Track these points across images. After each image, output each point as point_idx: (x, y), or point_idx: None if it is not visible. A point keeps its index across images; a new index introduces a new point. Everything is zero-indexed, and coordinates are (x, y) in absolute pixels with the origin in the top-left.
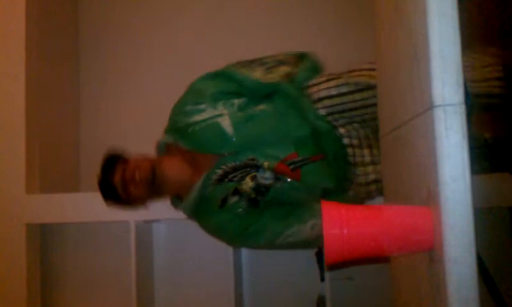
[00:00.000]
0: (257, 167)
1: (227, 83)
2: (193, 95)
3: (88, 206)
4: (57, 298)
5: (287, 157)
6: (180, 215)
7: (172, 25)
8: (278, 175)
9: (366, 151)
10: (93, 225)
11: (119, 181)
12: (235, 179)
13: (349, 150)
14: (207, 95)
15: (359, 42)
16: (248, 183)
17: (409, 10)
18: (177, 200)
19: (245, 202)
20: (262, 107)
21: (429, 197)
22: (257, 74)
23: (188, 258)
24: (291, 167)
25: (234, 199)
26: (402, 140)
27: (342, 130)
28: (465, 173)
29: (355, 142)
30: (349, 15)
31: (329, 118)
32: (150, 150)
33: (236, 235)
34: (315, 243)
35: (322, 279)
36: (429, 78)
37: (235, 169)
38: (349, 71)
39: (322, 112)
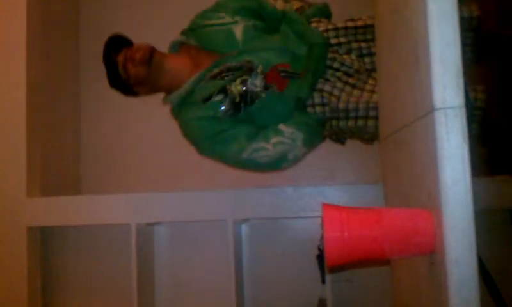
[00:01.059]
0: (251, 71)
1: (250, 2)
2: (217, 6)
3: (88, 209)
4: (58, 301)
5: (280, 64)
6: (181, 217)
7: (175, 26)
8: (267, 84)
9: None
10: (94, 228)
11: (121, 61)
12: (226, 78)
13: (329, 72)
14: (229, 8)
15: None
16: (237, 85)
17: (409, 13)
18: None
19: (228, 104)
20: (270, 35)
21: (430, 200)
22: (278, 3)
23: (189, 260)
24: (282, 74)
25: (219, 97)
26: (403, 143)
27: (337, 56)
28: (466, 176)
29: (342, 68)
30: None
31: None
32: (152, 152)
33: (207, 137)
34: (276, 165)
35: (323, 282)
36: (430, 81)
37: (230, 69)
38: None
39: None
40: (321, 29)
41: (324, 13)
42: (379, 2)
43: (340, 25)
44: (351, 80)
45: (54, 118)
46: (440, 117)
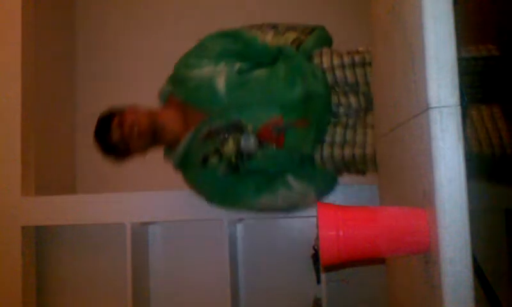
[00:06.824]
0: (242, 130)
1: (234, 43)
2: (199, 50)
3: (83, 208)
4: (53, 301)
5: (271, 121)
6: (176, 217)
7: (171, 27)
8: (261, 141)
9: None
10: (88, 227)
11: (118, 139)
12: (218, 139)
13: (334, 120)
14: (212, 52)
15: (356, 43)
16: (229, 146)
17: (405, 12)
18: (169, 151)
19: (224, 165)
20: (258, 72)
21: (425, 198)
22: (268, 37)
23: (184, 259)
24: (275, 131)
25: (214, 159)
26: (398, 141)
27: (342, 100)
28: (461, 175)
29: (350, 116)
30: (346, 15)
31: (335, 87)
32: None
33: (214, 195)
34: (286, 210)
35: (318, 282)
36: (425, 80)
37: (219, 129)
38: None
39: (329, 79)
40: (325, 65)
41: (325, 40)
42: (374, 1)
43: (346, 59)
44: (350, 121)
45: (49, 117)
46: (434, 115)
